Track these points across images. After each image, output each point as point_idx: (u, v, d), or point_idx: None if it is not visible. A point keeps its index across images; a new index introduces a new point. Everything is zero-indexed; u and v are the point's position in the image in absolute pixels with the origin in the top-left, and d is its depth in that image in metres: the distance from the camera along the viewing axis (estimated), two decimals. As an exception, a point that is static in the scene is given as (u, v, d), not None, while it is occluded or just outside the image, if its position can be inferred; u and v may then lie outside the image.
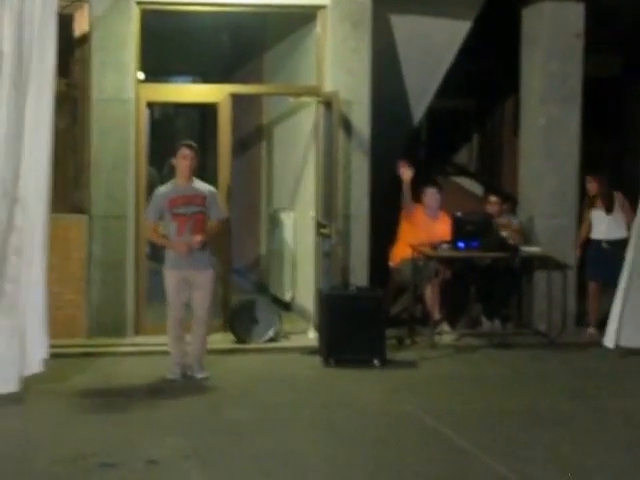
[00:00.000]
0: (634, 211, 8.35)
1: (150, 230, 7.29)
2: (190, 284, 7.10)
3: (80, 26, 8.21)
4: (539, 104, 9.10)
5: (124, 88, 8.17)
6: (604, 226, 8.93)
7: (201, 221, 7.08)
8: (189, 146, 7.18)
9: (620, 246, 8.54)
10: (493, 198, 9.17)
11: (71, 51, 8.25)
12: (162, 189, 7.21)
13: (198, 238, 6.99)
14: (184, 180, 7.13)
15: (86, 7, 8.11)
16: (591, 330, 8.85)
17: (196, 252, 7.02)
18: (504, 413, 6.46)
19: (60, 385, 6.86)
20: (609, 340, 7.94)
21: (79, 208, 8.33)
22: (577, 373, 7.72)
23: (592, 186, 9.00)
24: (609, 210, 8.89)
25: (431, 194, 8.86)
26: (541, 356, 8.23)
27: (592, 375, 7.66)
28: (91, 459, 5.34)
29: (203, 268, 7.07)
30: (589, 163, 9.27)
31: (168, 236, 7.12)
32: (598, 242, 8.94)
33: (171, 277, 7.10)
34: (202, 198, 7.10)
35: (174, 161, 7.16)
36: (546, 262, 8.72)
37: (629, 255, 7.97)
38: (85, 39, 8.18)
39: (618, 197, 8.93)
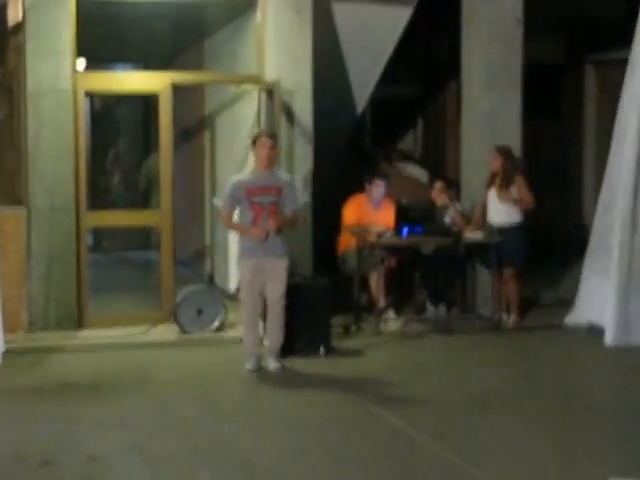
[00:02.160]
0: (531, 198, 8.41)
1: (226, 219, 7.28)
2: (264, 272, 7.10)
3: (14, 14, 8.04)
4: (480, 90, 9.13)
5: (61, 77, 8.02)
6: (499, 209, 8.57)
7: (275, 211, 7.07)
8: (269, 135, 7.16)
9: (513, 232, 8.48)
10: (439, 184, 9.15)
11: (5, 40, 8.08)
12: (241, 177, 7.19)
13: (272, 221, 6.99)
14: (263, 169, 7.09)
15: (20, -6, 7.95)
16: (505, 317, 8.70)
17: (270, 240, 7.03)
18: (450, 398, 6.49)
19: (0, 382, 6.72)
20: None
21: (17, 200, 8.17)
22: (521, 357, 7.78)
23: (496, 163, 8.57)
24: (502, 190, 8.47)
25: (378, 185, 8.79)
26: (486, 341, 8.28)
27: (536, 358, 7.72)
28: (32, 458, 5.24)
29: (278, 256, 7.09)
30: (529, 147, 9.31)
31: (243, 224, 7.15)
32: (491, 227, 8.62)
33: (246, 266, 7.12)
34: (278, 189, 7.10)
35: (253, 150, 7.14)
36: (489, 248, 8.74)
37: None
38: (19, 27, 8.00)
39: (519, 180, 8.55)
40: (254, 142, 7.14)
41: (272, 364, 7.17)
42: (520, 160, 8.84)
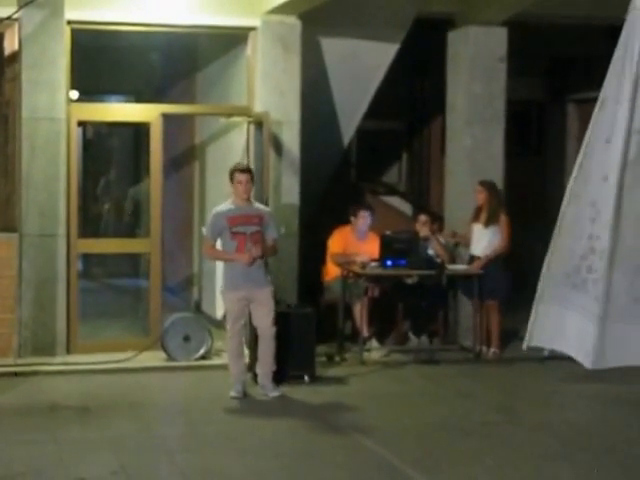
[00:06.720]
0: (509, 244, 8.61)
1: (209, 249, 7.44)
2: (250, 303, 7.25)
3: (10, 44, 8.22)
4: (464, 125, 9.35)
5: (55, 107, 8.18)
6: (484, 242, 8.76)
7: (259, 240, 7.23)
8: (243, 170, 7.33)
9: (496, 265, 8.66)
10: (423, 217, 9.30)
11: (1, 69, 8.27)
12: (221, 208, 7.32)
13: (257, 247, 7.13)
14: (242, 201, 7.27)
15: (16, 26, 8.11)
16: (485, 348, 8.81)
17: (254, 270, 7.16)
18: (431, 428, 6.60)
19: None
20: (524, 342, 8.12)
21: (10, 226, 8.31)
22: (502, 387, 7.91)
23: (480, 196, 8.78)
24: (487, 224, 8.68)
25: (363, 217, 8.97)
26: (467, 371, 8.41)
27: (517, 389, 7.84)
28: (19, 478, 5.34)
29: (262, 285, 7.24)
30: (511, 182, 9.51)
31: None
32: (476, 258, 8.79)
33: (231, 299, 7.26)
34: (260, 218, 7.29)
35: (231, 184, 7.30)
36: (472, 279, 8.88)
37: (546, 262, 8.08)
38: (15, 57, 8.19)
39: (503, 220, 8.73)
40: (231, 176, 7.32)
41: (271, 392, 7.26)
42: (503, 197, 9.04)
